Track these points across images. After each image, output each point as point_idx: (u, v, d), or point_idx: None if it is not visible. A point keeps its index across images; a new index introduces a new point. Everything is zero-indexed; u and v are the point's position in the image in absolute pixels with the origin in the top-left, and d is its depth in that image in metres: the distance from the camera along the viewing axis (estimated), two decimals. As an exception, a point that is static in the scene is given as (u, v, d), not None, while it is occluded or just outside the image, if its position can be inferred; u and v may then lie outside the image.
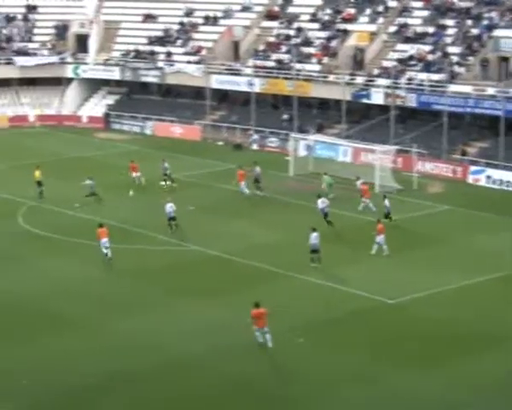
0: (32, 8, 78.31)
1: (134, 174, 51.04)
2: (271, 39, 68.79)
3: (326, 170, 50.65)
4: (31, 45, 75.54)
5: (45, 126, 71.00)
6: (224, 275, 36.63)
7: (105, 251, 37.64)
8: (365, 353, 29.00)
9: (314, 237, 36.66)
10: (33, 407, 25.66)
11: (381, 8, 66.11)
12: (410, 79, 58.99)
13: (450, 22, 62.40)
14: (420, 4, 65.22)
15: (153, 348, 29.34)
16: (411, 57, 61.03)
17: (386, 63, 61.43)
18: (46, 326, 31.23)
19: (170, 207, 41.85)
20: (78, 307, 33.22)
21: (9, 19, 77.38)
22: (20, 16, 77.66)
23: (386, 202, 43.21)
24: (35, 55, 74.38)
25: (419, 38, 62.31)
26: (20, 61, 73.37)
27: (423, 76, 58.80)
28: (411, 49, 61.65)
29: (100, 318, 32.00)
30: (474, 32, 60.47)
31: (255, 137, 63.39)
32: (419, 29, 62.89)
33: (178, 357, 28.68)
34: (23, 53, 74.30)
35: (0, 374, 27.58)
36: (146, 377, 27.23)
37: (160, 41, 73.21)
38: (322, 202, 42.69)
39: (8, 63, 73.44)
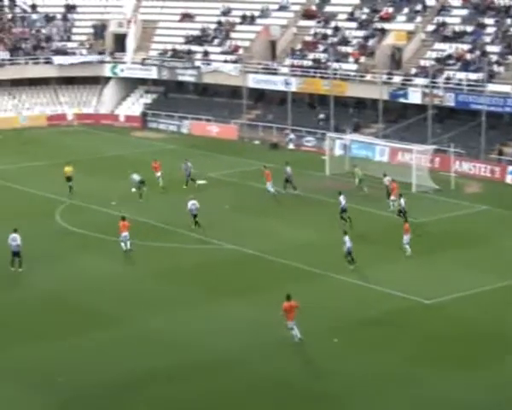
0: (71, 8, 79.02)
1: (157, 174, 50.71)
2: (308, 38, 68.64)
3: (362, 170, 50.47)
4: (69, 45, 76.22)
5: (83, 125, 71.59)
6: (259, 274, 36.58)
7: (123, 245, 38.22)
8: (402, 353, 28.79)
9: (348, 241, 36.48)
10: (69, 404, 25.79)
11: (419, 7, 65.65)
12: (448, 79, 58.49)
13: (489, 21, 61.79)
14: (459, 3, 64.63)
15: (188, 346, 29.39)
16: (450, 56, 60.51)
17: (423, 62, 60.97)
18: (82, 323, 31.42)
19: (192, 204, 42.10)
20: (113, 304, 33.39)
21: (49, 18, 78.15)
22: (59, 16, 78.41)
23: (402, 201, 42.73)
24: (73, 54, 75.05)
25: (457, 36, 61.77)
26: (59, 60, 74.04)
27: (461, 75, 58.29)
28: (450, 48, 61.14)
29: (134, 315, 32.13)
30: (514, 30, 59.86)
31: (291, 136, 63.28)
32: (458, 28, 62.34)
33: (214, 355, 28.68)
34: (62, 52, 75.00)
35: (36, 371, 27.78)
36: (181, 374, 27.28)
37: (198, 40, 73.43)
38: (343, 199, 42.55)
39: (47, 62, 74.15)
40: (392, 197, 45.39)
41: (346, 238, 36.44)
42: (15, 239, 36.48)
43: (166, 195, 49.19)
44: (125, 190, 48.99)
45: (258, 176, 52.52)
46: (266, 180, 48.64)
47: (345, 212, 42.28)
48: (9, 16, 77.98)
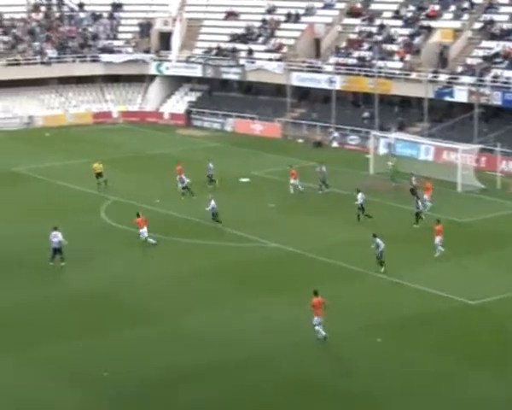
0: (117, 7, 79.67)
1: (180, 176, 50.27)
2: (353, 36, 68.33)
3: (407, 168, 50.17)
4: (116, 43, 76.86)
5: (128, 123, 72.14)
6: (300, 272, 36.44)
7: (144, 239, 39.34)
8: (447, 353, 28.54)
9: (380, 243, 36.03)
10: (116, 398, 26.05)
11: (466, 5, 64.96)
12: (495, 77, 57.80)
13: (537, 18, 61.00)
14: (506, 0, 63.78)
15: (226, 344, 29.46)
16: (497, 54, 59.77)
17: (470, 61, 60.31)
18: (122, 320, 31.66)
19: (213, 203, 42.32)
20: (153, 301, 33.57)
21: (96, 17, 78.88)
22: (105, 14, 79.11)
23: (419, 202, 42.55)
24: (119, 52, 75.66)
25: (505, 34, 60.99)
26: (105, 58, 74.71)
27: (509, 74, 57.56)
28: (497, 46, 60.40)
29: (174, 313, 32.26)
30: None
31: (335, 134, 63.03)
32: (505, 26, 61.55)
33: (249, 353, 28.75)
34: (108, 50, 75.67)
35: (83, 365, 28.08)
36: (215, 372, 27.37)
37: (242, 38, 73.53)
38: (361, 197, 42.72)
39: (94, 61, 74.87)
40: (426, 197, 44.85)
41: (378, 240, 36.10)
42: (56, 236, 37.06)
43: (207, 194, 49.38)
44: (169, 188, 49.23)
45: (302, 174, 52.46)
46: (291, 177, 48.66)
47: (362, 210, 42.62)
48: (57, 15, 78.90)
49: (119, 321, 31.50)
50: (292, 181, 48.70)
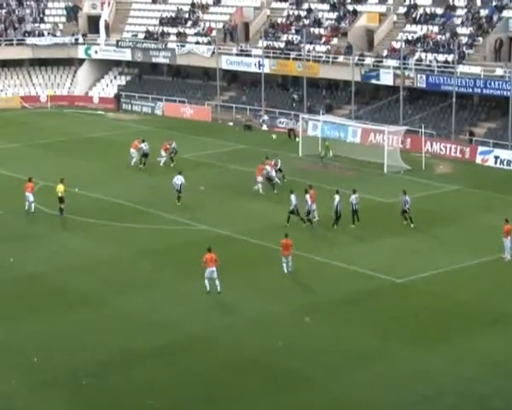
0: (43, -11, 78.74)
1: (164, 153, 51.34)
2: (281, 20, 69.00)
3: (335, 150, 51.27)
4: (42, 26, 76.02)
5: (57, 107, 71.60)
6: (231, 254, 36.59)
7: (29, 204, 41.89)
8: (375, 331, 29.48)
9: (294, 198, 39.32)
10: (44, 384, 26.19)
11: (390, -11, 66.15)
12: (419, 60, 59.21)
13: (459, 3, 62.50)
14: (430, -15, 65.26)
15: (164, 326, 29.94)
16: (420, 38, 61.20)
17: (395, 44, 61.63)
18: (62, 303, 31.86)
19: (177, 179, 43.56)
20: (91, 285, 33.80)
21: (21, 0, 77.77)
22: (31, -3, 78.15)
23: (407, 197, 40.44)
24: (47, 35, 74.81)
25: (428, 18, 62.45)
26: (32, 41, 73.86)
27: (432, 57, 59.05)
28: (420, 30, 61.83)
29: (111, 295, 32.60)
30: (484, 12, 60.54)
31: (265, 117, 63.73)
32: (428, 10, 63.01)
33: (188, 335, 29.28)
34: (35, 34, 74.76)
35: (12, 351, 28.20)
36: (158, 355, 27.84)
37: (171, 22, 73.53)
38: (295, 198, 40.02)
39: (20, 44, 73.96)
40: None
41: (292, 196, 39.30)
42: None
43: (141, 174, 49.62)
44: (100, 172, 49.23)
45: (232, 157, 53.18)
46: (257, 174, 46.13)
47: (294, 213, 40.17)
48: (-19, -3, 77.66)
49: (57, 305, 31.62)
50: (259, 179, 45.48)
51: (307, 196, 39.86)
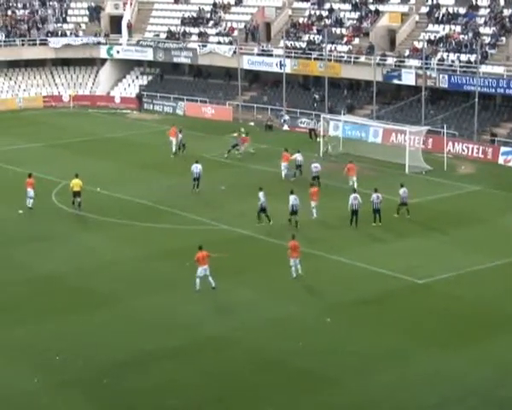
0: (66, -10, 79.17)
1: (171, 138, 53.42)
2: (303, 20, 68.89)
3: (356, 151, 51.11)
4: (65, 26, 76.40)
5: (79, 107, 71.93)
6: (253, 254, 36.95)
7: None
8: (396, 332, 29.32)
9: (262, 196, 39.64)
10: (66, 383, 26.26)
11: (413, -11, 65.91)
12: (441, 60, 58.91)
13: (482, 2, 62.12)
14: (452, -16, 64.95)
15: (185, 326, 29.95)
16: (443, 38, 60.88)
17: (417, 44, 61.35)
18: (79, 304, 31.97)
19: (195, 167, 45.14)
20: (109, 284, 33.90)
21: (44, 1, 78.20)
22: (54, -3, 78.58)
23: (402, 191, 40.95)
24: (70, 35, 75.21)
25: (451, 18, 62.10)
26: (55, 41, 74.24)
27: (455, 57, 58.70)
28: (443, 29, 61.51)
29: (130, 295, 32.66)
30: (507, 12, 60.13)
31: (286, 117, 63.66)
32: (451, 9, 62.66)
33: (203, 335, 29.26)
34: (57, 34, 75.15)
35: (35, 350, 28.29)
36: (176, 355, 27.82)
37: (193, 22, 73.64)
38: (295, 199, 39.58)
39: (43, 44, 74.36)
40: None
41: (261, 194, 39.59)
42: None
43: (161, 175, 49.73)
44: (120, 171, 49.41)
45: (253, 157, 53.16)
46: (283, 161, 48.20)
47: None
48: (5, -2, 78.16)
49: (82, 305, 31.70)
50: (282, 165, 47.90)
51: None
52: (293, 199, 39.69)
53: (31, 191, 42.65)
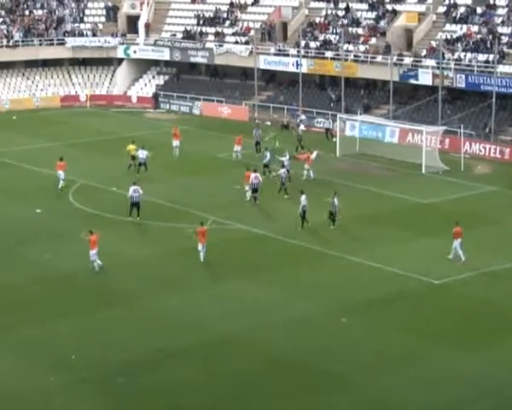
0: (83, -10, 79.41)
1: (174, 142, 52.82)
2: (319, 20, 68.78)
3: (372, 150, 50.92)
4: (82, 26, 76.67)
5: (96, 106, 72.14)
6: (267, 253, 36.93)
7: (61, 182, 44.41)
8: (412, 333, 29.22)
9: (304, 199, 39.00)
10: (81, 382, 26.30)
11: (430, -12, 65.63)
12: (458, 60, 58.64)
13: (500, 2, 61.80)
14: (470, -16, 64.64)
15: (199, 327, 29.95)
16: (460, 37, 60.61)
17: (434, 43, 61.10)
18: (96, 302, 32.07)
19: (141, 153, 47.55)
20: (126, 283, 34.00)
21: (61, 1, 78.47)
22: (72, -2, 78.84)
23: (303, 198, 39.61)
24: (86, 35, 75.46)
25: (468, 18, 61.81)
26: (72, 41, 74.51)
27: (472, 57, 58.43)
28: (460, 29, 61.24)
29: (147, 294, 32.72)
30: (525, 11, 59.90)
31: (302, 117, 63.53)
32: (468, 9, 62.36)
33: (219, 334, 29.25)
34: (75, 34, 75.43)
35: (51, 349, 28.40)
36: (190, 354, 27.85)
37: (209, 22, 73.68)
38: (304, 200, 39.61)
39: (61, 44, 74.63)
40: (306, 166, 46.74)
41: (302, 198, 38.91)
42: (137, 191, 40.53)
43: (172, 173, 49.77)
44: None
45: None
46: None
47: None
48: (23, -2, 78.49)
49: (97, 303, 31.82)
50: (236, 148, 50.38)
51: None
52: (303, 200, 39.50)
53: (62, 173, 45.52)
